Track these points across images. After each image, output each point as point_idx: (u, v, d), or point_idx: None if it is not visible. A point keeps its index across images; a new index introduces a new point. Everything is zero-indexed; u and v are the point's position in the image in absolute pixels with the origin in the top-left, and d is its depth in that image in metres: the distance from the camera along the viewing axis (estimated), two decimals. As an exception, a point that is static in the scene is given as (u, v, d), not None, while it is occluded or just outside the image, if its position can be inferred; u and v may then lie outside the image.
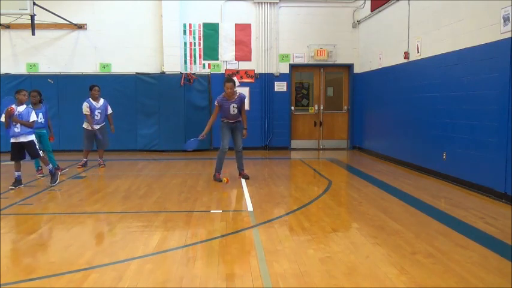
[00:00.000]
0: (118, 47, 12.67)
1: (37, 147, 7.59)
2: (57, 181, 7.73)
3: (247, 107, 12.95)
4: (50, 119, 8.91)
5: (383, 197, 6.88)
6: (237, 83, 12.87)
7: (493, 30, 6.54)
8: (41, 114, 8.33)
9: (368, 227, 5.23)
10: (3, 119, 7.33)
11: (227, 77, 8.19)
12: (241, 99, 7.91)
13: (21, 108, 7.44)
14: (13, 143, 7.44)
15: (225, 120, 7.95)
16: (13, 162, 7.52)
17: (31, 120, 7.47)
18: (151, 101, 12.53)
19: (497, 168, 6.43)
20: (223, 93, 7.91)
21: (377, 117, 11.67)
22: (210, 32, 12.85)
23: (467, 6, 7.29)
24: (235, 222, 5.51)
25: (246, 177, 8.19)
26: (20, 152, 7.47)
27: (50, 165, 7.76)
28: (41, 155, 7.68)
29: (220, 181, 7.85)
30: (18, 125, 7.34)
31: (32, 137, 7.53)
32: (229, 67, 12.96)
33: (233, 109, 7.84)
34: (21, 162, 7.58)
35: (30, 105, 7.99)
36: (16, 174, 7.44)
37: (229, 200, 6.87)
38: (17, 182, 7.42)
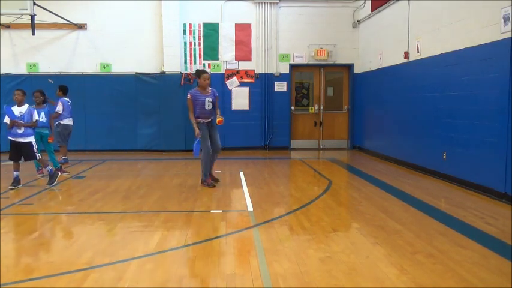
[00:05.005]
0: (118, 47, 12.66)
1: (35, 149, 7.48)
2: (55, 183, 7.64)
3: (247, 107, 13.04)
4: (52, 120, 8.92)
5: (383, 196, 6.88)
6: (237, 83, 13.05)
7: (493, 30, 6.54)
8: (43, 114, 8.35)
9: (368, 226, 5.23)
10: (7, 120, 7.33)
11: (201, 70, 7.65)
12: (215, 94, 7.48)
13: (23, 109, 7.44)
14: (11, 142, 7.41)
15: (201, 121, 7.37)
16: (12, 162, 7.51)
17: (34, 120, 7.50)
18: (151, 101, 12.54)
19: (497, 168, 6.43)
20: (196, 88, 7.49)
21: (377, 117, 11.67)
22: (210, 32, 12.85)
23: (467, 6, 7.29)
24: (235, 222, 5.51)
25: (215, 181, 7.64)
26: (17, 152, 7.45)
27: (49, 167, 7.74)
28: (38, 157, 7.59)
29: (214, 186, 7.46)
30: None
31: (31, 139, 7.45)
32: (229, 67, 12.96)
33: (208, 103, 7.34)
34: (20, 162, 7.56)
35: (33, 105, 8.02)
36: (15, 174, 7.42)
37: (229, 200, 6.87)
38: (16, 182, 7.40)
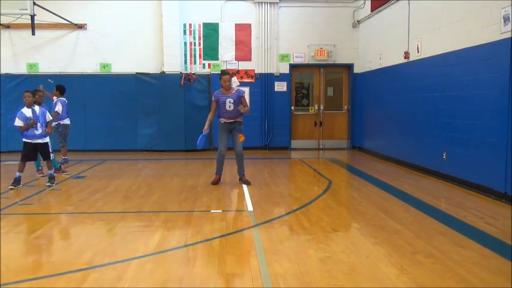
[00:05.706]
0: (118, 47, 12.67)
1: (50, 149, 7.61)
2: (54, 184, 7.62)
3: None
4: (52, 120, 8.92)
5: (383, 196, 6.88)
6: (237, 83, 13.04)
7: (493, 30, 6.54)
8: None
9: (368, 226, 5.23)
10: (18, 123, 7.35)
11: (223, 70, 7.89)
12: (239, 95, 7.47)
13: (36, 110, 7.49)
14: (28, 143, 7.43)
15: (222, 121, 7.54)
16: (17, 162, 7.50)
17: (48, 120, 7.61)
18: (151, 101, 12.54)
19: (497, 168, 6.43)
20: (220, 89, 7.63)
21: (377, 117, 11.67)
22: (210, 32, 12.85)
23: (467, 6, 7.29)
24: (235, 222, 5.52)
25: (247, 183, 7.65)
26: (32, 153, 7.49)
27: (52, 170, 7.75)
28: (52, 158, 7.68)
29: (216, 184, 7.59)
30: (39, 127, 7.42)
31: (48, 139, 7.62)
32: (229, 67, 12.94)
33: (229, 104, 7.38)
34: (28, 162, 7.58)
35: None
36: (17, 174, 7.41)
37: (229, 200, 6.87)
38: (16, 181, 7.39)
